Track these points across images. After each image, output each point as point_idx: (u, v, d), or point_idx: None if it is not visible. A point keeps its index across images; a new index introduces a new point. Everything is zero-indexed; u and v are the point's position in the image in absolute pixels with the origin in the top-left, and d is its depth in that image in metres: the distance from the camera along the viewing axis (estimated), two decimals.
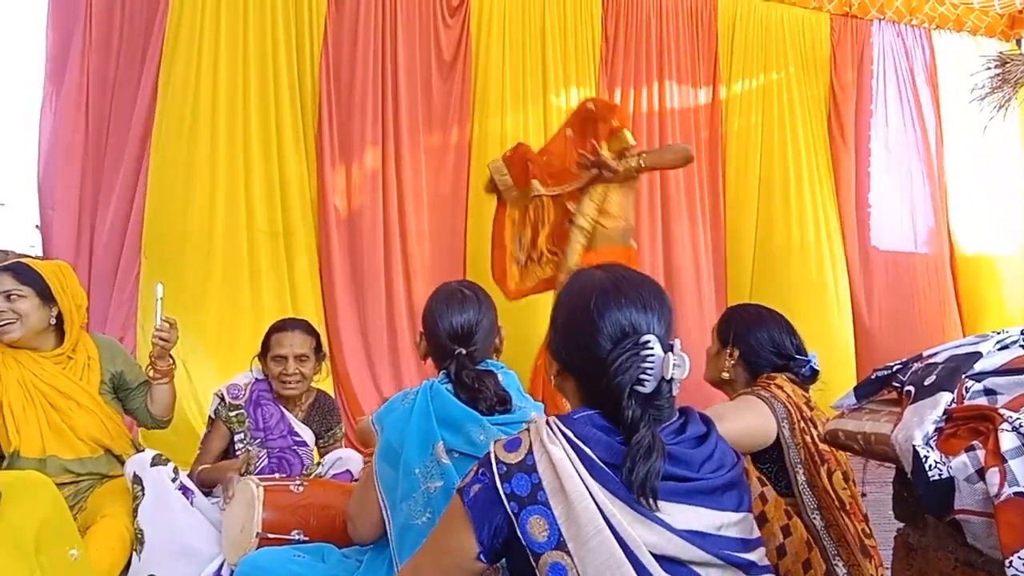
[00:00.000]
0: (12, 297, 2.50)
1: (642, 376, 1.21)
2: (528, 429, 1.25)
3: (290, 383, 2.80)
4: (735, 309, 2.35)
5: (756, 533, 1.28)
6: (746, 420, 1.91)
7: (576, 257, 3.84)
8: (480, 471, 1.22)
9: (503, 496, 1.17)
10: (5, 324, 2.49)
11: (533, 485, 1.17)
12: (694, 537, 1.16)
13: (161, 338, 2.62)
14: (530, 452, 1.20)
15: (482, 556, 1.20)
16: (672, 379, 1.23)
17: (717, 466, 1.24)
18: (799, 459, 1.90)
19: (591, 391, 1.28)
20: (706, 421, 1.31)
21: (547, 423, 1.23)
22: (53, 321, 2.60)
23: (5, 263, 2.61)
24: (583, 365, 1.28)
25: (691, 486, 1.20)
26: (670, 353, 1.22)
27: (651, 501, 1.15)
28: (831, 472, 1.89)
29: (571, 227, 3.90)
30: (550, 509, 1.15)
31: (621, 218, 3.91)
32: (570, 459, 1.17)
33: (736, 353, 2.15)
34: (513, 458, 1.20)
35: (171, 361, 2.71)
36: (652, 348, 1.22)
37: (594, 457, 1.17)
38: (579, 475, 1.15)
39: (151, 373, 2.71)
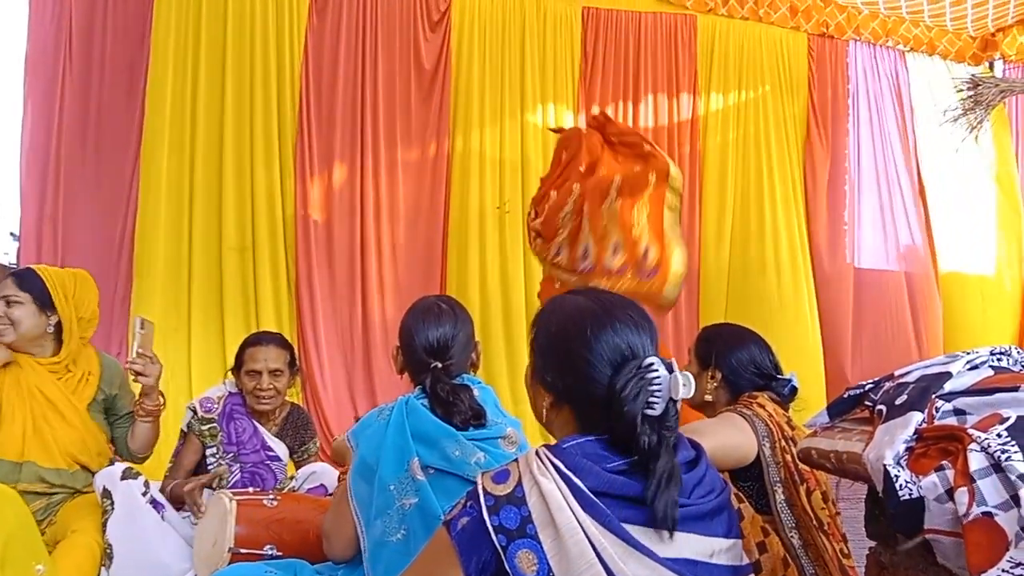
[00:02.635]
0: (10, 302, 2.50)
1: (651, 400, 1.19)
2: (517, 460, 1.23)
3: (264, 398, 2.78)
4: (713, 330, 2.35)
5: (745, 560, 1.27)
6: (725, 437, 1.91)
7: None
8: (468, 504, 1.19)
9: (491, 529, 1.14)
10: (1, 328, 2.49)
11: (522, 518, 1.14)
12: (685, 567, 1.15)
13: (135, 371, 2.56)
14: (519, 484, 1.17)
15: None
16: (676, 400, 1.22)
17: (707, 491, 1.23)
18: (779, 478, 1.90)
19: (589, 419, 1.26)
20: (695, 446, 1.31)
21: (537, 454, 1.21)
22: (51, 329, 2.58)
23: (14, 268, 2.61)
24: (582, 394, 1.26)
25: (683, 512, 1.18)
26: (677, 373, 1.21)
27: (670, 531, 1.14)
28: (810, 492, 1.90)
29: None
30: (539, 543, 1.12)
31: None
32: (561, 492, 1.14)
33: (719, 375, 2.15)
34: (501, 490, 1.17)
35: (159, 400, 2.65)
36: (657, 370, 1.21)
37: (584, 489, 1.15)
38: (570, 508, 1.13)
39: (137, 408, 2.66)
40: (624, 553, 1.12)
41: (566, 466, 1.17)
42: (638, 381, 1.20)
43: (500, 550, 1.13)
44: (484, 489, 1.19)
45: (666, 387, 1.21)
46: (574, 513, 1.12)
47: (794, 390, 2.14)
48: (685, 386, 1.21)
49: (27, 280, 2.54)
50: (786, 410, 2.09)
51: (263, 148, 4.78)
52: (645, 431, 1.18)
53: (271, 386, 2.78)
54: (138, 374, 2.56)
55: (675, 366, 1.24)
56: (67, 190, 4.48)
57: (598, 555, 1.10)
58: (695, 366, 2.21)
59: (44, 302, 2.55)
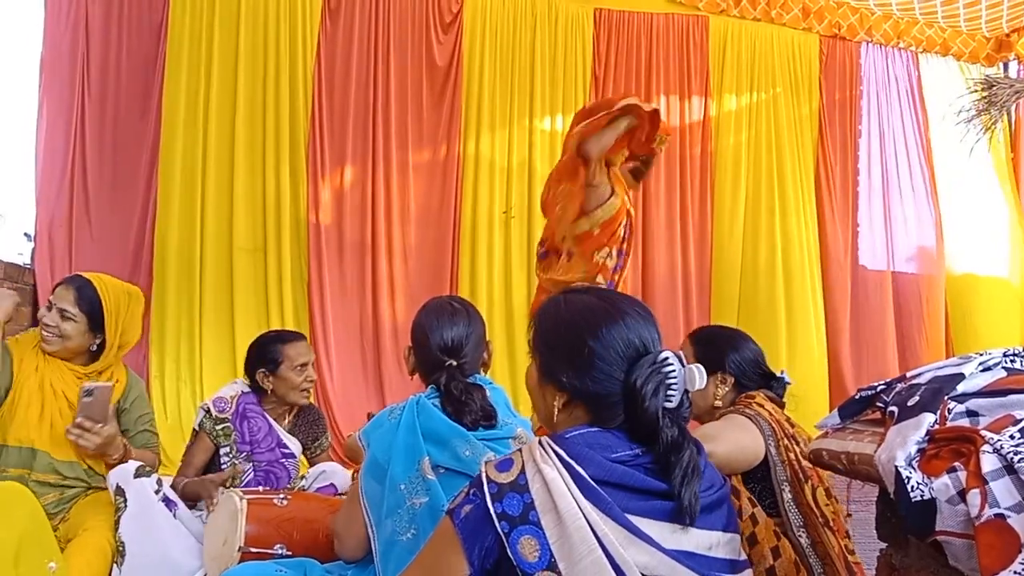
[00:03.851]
0: (65, 317, 2.50)
1: (669, 393, 1.23)
2: (520, 450, 1.24)
3: (309, 389, 2.87)
4: (710, 332, 2.33)
5: (743, 555, 1.29)
6: (738, 440, 1.91)
7: None
8: (471, 492, 1.21)
9: (494, 516, 1.16)
10: (48, 336, 2.50)
11: (525, 505, 1.16)
12: (684, 557, 1.16)
13: (70, 439, 2.43)
14: (522, 472, 1.19)
15: None
16: (690, 391, 1.26)
17: (707, 486, 1.25)
18: (785, 476, 1.90)
19: (603, 416, 1.27)
20: (695, 442, 1.31)
21: (540, 443, 1.23)
22: (93, 348, 2.59)
23: (74, 276, 2.59)
24: (599, 392, 1.28)
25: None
26: (691, 366, 1.25)
27: (690, 521, 1.17)
28: (815, 488, 1.90)
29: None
30: (542, 529, 1.14)
31: None
32: (563, 479, 1.16)
33: (730, 379, 2.13)
34: (505, 478, 1.19)
35: (117, 456, 2.50)
36: (672, 364, 1.24)
37: (586, 476, 1.17)
38: (572, 495, 1.15)
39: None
40: (625, 540, 1.14)
41: (568, 454, 1.19)
42: (655, 375, 1.23)
43: (503, 536, 1.15)
44: (487, 477, 1.21)
45: (681, 380, 1.24)
46: (576, 500, 1.15)
47: (784, 385, 2.14)
48: (701, 377, 1.25)
49: (85, 298, 2.53)
50: (782, 407, 2.09)
51: (275, 150, 4.81)
52: (666, 424, 1.22)
53: (315, 376, 2.89)
54: (78, 443, 2.43)
55: (684, 358, 1.27)
56: (82, 191, 4.52)
57: (599, 541, 1.12)
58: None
59: (96, 325, 2.54)
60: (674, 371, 1.24)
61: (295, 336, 2.93)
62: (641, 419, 1.22)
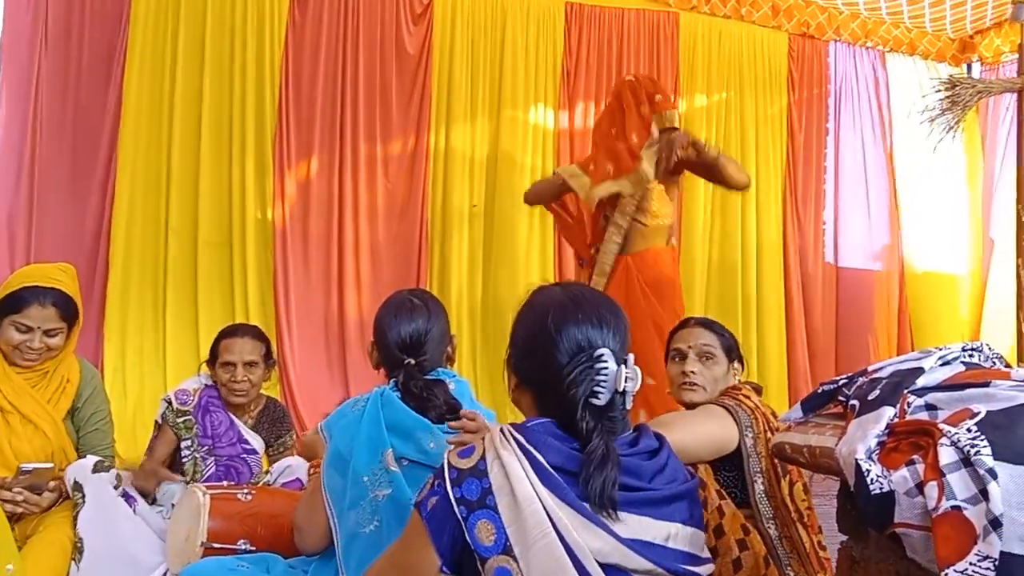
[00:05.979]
0: (50, 333, 2.35)
1: (596, 388, 1.24)
2: (484, 438, 1.27)
3: (238, 391, 2.75)
4: (716, 323, 2.31)
5: (706, 553, 1.31)
6: (703, 429, 1.93)
7: (611, 258, 3.35)
8: (435, 483, 1.23)
9: (453, 501, 1.18)
10: (34, 357, 2.35)
11: (483, 489, 1.18)
12: (639, 546, 1.18)
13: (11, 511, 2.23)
14: (483, 458, 1.22)
15: (444, 568, 1.21)
16: (625, 392, 1.26)
17: (669, 479, 1.27)
18: (759, 468, 1.92)
19: (547, 403, 1.31)
20: (658, 437, 1.35)
21: (501, 430, 1.25)
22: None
23: (41, 291, 2.34)
24: (541, 379, 1.32)
25: (641, 496, 1.23)
26: (623, 366, 1.26)
27: (611, 511, 1.18)
28: (792, 484, 1.93)
29: (607, 224, 3.39)
30: (498, 513, 1.17)
31: (661, 215, 3.40)
32: (521, 464, 1.19)
33: (741, 367, 2.19)
34: (466, 464, 1.22)
35: (56, 496, 2.35)
36: (606, 362, 1.25)
37: (544, 463, 1.19)
38: (528, 479, 1.17)
39: None
40: (580, 525, 1.16)
41: (528, 441, 1.22)
42: (585, 369, 1.26)
43: (461, 520, 1.17)
44: (449, 463, 1.24)
45: (612, 378, 1.25)
46: (532, 484, 1.17)
47: None
48: (631, 379, 1.26)
49: (66, 307, 2.38)
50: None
51: (240, 142, 4.74)
52: (585, 416, 1.24)
53: (245, 378, 2.74)
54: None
55: (630, 361, 1.28)
56: (41, 182, 4.42)
57: (554, 525, 1.15)
58: (724, 362, 2.18)
59: (73, 323, 2.43)
60: (605, 368, 1.25)
61: (235, 331, 2.85)
62: (567, 408, 1.25)
